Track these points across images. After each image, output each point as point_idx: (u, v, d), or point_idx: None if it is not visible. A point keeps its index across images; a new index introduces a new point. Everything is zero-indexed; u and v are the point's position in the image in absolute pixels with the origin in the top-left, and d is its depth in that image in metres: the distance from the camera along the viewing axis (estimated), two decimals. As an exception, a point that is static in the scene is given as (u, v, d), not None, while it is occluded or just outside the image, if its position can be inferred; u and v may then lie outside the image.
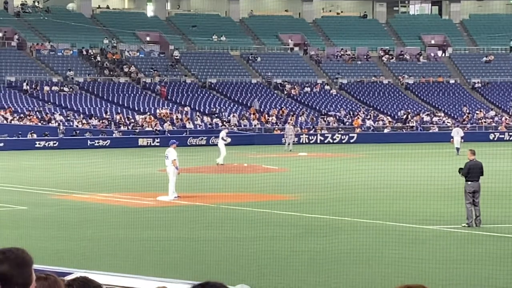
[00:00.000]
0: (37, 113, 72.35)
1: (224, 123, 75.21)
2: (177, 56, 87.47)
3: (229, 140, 48.99)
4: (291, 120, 74.75)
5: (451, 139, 55.44)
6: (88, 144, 64.99)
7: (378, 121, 79.43)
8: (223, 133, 48.41)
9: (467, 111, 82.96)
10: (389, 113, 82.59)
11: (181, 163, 31.13)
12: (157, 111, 76.64)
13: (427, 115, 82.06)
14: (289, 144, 60.72)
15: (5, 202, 29.10)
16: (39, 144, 64.27)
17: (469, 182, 22.57)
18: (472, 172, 22.64)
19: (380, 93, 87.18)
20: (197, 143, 67.54)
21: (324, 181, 30.48)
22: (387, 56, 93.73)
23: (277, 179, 35.63)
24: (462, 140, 54.35)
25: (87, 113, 74.40)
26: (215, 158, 46.02)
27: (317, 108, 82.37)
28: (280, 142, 64.77)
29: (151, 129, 72.04)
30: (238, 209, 26.81)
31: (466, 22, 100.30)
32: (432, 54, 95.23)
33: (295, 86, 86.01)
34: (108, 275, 10.88)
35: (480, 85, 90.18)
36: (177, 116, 75.88)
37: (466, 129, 76.64)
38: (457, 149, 53.35)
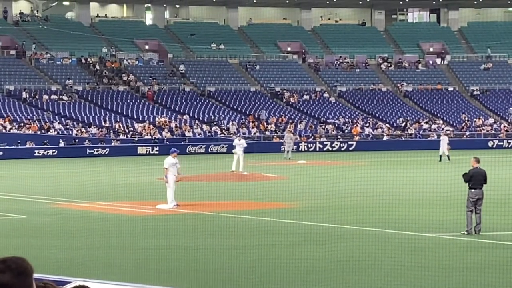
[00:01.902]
0: (36, 121, 72.34)
1: (223, 130, 75.26)
2: (182, 70, 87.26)
3: (243, 145, 46.11)
4: (290, 128, 74.70)
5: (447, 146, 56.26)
6: (87, 153, 64.95)
7: (377, 129, 79.44)
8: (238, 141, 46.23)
9: (466, 119, 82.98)
10: (388, 120, 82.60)
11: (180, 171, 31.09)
12: (156, 119, 76.65)
13: (426, 122, 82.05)
14: (288, 152, 60.65)
15: (4, 211, 29.07)
16: (38, 152, 64.21)
17: (472, 190, 22.68)
18: (475, 179, 22.72)
19: (379, 101, 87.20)
20: (196, 151, 67.53)
21: (323, 189, 30.49)
22: (385, 63, 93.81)
23: (276, 187, 35.57)
24: (449, 147, 55.69)
25: (86, 121, 74.38)
26: (216, 166, 45.87)
27: (316, 116, 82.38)
28: (279, 150, 64.73)
29: (150, 137, 72.02)
30: (237, 217, 26.78)
31: (465, 30, 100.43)
32: (431, 62, 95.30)
33: (294, 94, 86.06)
34: (107, 284, 10.87)
35: (478, 92, 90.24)
36: (176, 124, 75.88)
37: (465, 136, 76.83)
38: (448, 156, 54.37)
